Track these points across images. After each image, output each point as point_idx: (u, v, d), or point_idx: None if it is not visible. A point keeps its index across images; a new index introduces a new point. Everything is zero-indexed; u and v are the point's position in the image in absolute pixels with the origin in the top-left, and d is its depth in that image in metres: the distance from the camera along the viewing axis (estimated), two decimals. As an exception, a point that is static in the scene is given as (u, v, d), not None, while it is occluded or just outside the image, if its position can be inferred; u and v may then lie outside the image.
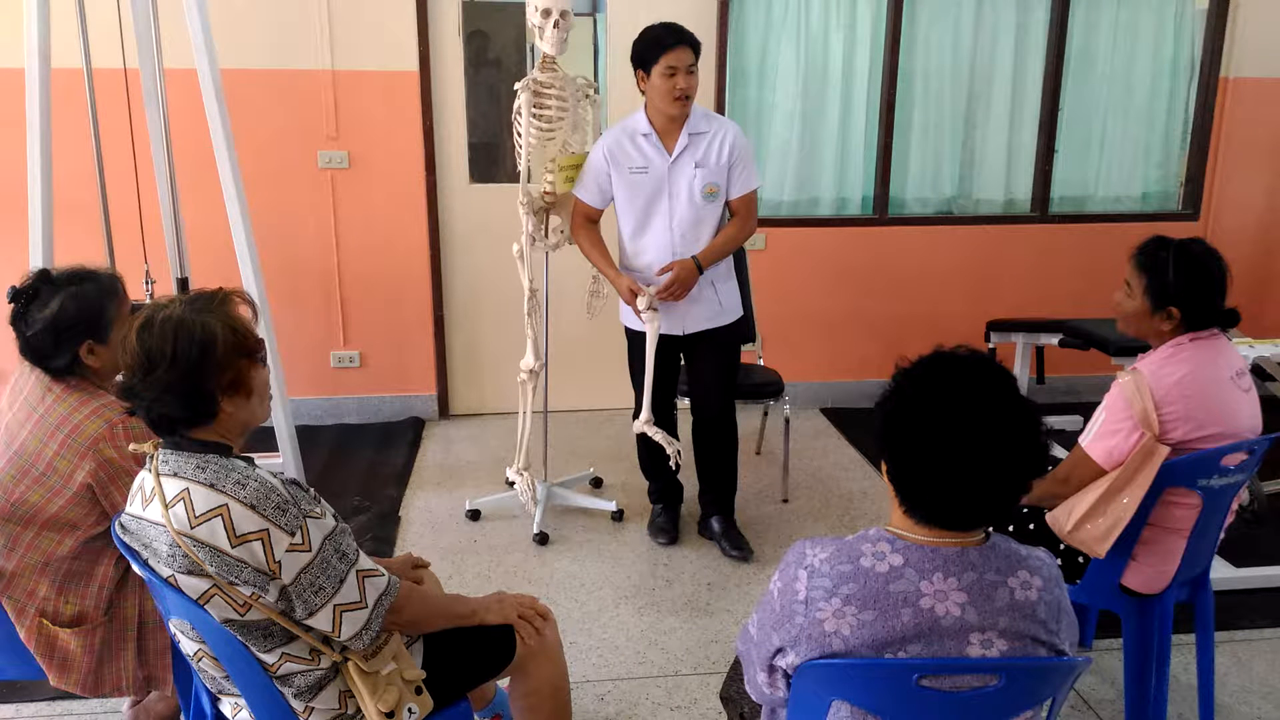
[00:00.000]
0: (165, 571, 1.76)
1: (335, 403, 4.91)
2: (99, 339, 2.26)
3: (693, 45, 3.34)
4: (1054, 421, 4.88)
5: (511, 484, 3.98)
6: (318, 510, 1.80)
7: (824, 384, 5.18)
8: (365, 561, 1.86)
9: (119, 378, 1.83)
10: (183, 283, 3.90)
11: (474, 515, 3.94)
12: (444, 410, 5.05)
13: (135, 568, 1.82)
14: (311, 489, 1.84)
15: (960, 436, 1.46)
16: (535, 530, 3.75)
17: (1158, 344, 2.52)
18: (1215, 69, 5.09)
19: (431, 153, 4.69)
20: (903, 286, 5.13)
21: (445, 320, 4.93)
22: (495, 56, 4.92)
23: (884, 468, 1.58)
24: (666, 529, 3.77)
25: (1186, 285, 2.44)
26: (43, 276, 2.29)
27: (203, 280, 4.13)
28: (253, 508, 1.72)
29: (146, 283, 3.78)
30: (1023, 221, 5.18)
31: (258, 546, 1.72)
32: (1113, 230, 5.20)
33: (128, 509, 1.87)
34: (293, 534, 1.74)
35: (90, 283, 2.28)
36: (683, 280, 3.42)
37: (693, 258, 3.43)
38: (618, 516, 3.93)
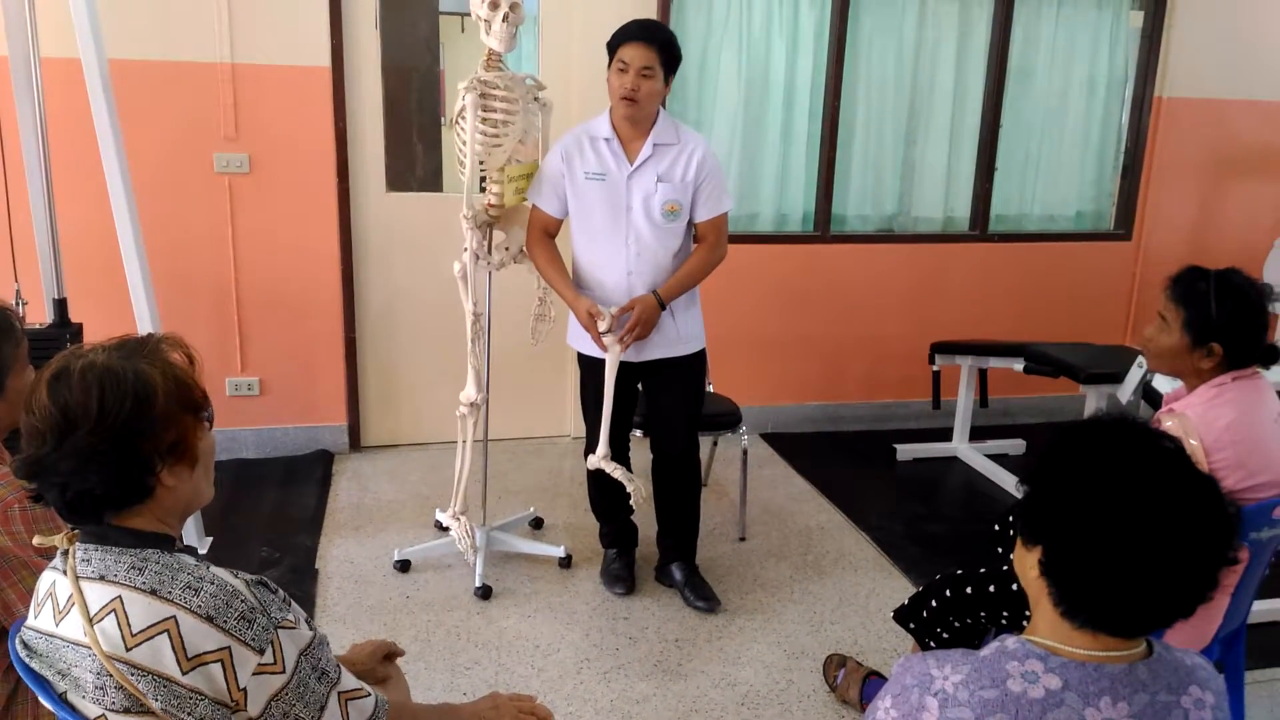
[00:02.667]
0: (92, 711, 1.34)
1: (231, 435, 4.39)
2: None
3: (652, 44, 3.01)
4: (996, 445, 4.76)
5: (443, 528, 3.60)
6: (290, 618, 1.41)
7: (764, 408, 4.92)
8: (348, 680, 1.48)
9: (15, 456, 1.40)
10: (60, 304, 3.38)
11: (403, 566, 3.51)
12: (355, 442, 4.58)
13: (46, 702, 1.39)
14: (280, 590, 1.45)
15: (1156, 517, 1.19)
16: (477, 583, 3.35)
17: (1195, 383, 2.33)
18: (1149, 88, 5.06)
19: (344, 157, 4.23)
20: (845, 306, 4.92)
21: (357, 342, 4.47)
22: (414, 52, 4.50)
23: (1032, 560, 1.28)
24: (623, 577, 3.43)
25: (1230, 320, 2.26)
26: None
27: (83, 302, 3.65)
28: (209, 619, 1.33)
29: (17, 303, 3.25)
30: (964, 240, 5.04)
31: (216, 670, 1.32)
32: (1049, 250, 5.13)
33: (33, 622, 1.44)
34: (261, 651, 1.35)
35: None
36: (644, 320, 3.10)
37: (654, 292, 3.11)
38: (565, 563, 3.57)
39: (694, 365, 3.33)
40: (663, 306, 3.12)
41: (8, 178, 3.31)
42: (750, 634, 3.19)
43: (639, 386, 3.38)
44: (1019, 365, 4.19)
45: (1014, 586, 2.37)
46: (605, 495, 3.41)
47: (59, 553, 1.43)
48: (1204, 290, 2.29)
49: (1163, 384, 3.47)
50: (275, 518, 3.90)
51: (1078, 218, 5.27)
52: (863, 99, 4.82)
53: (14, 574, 1.71)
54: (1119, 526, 1.20)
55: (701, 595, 3.33)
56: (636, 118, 3.09)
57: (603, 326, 3.08)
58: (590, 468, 3.31)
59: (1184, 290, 2.32)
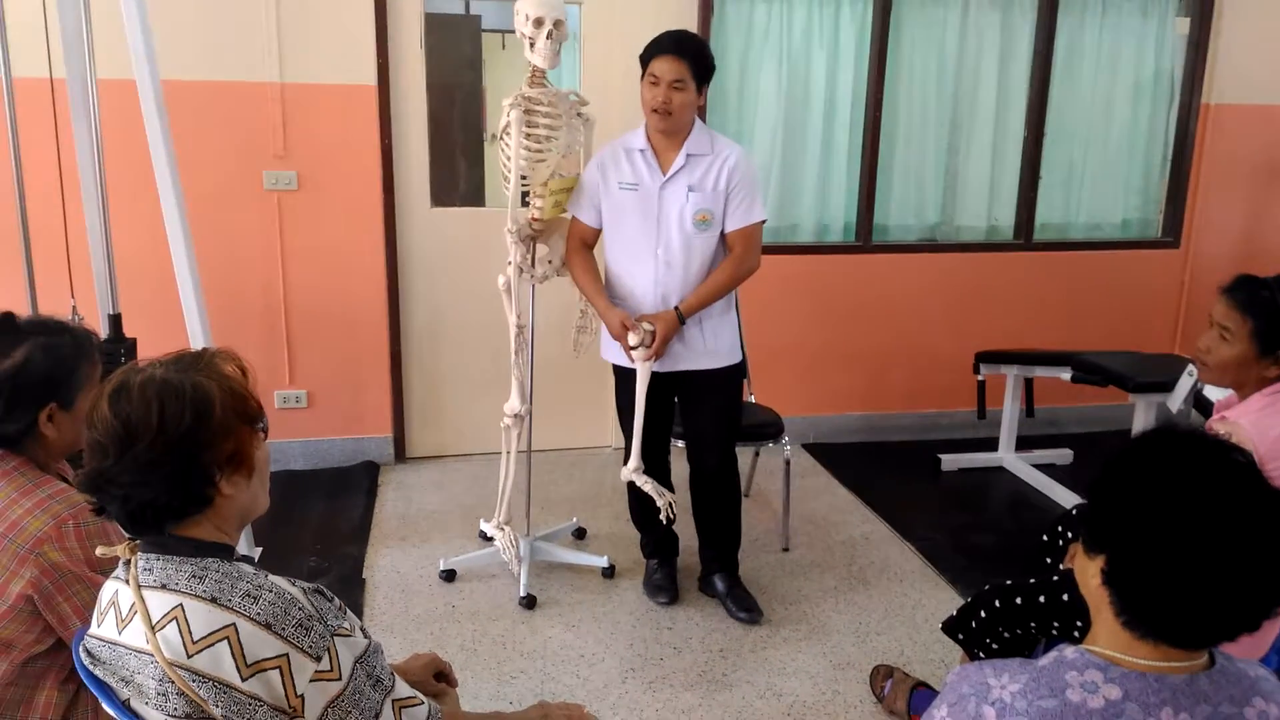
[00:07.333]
0: (154, 717, 1.37)
1: (280, 447, 4.45)
2: (64, 404, 1.85)
3: (683, 57, 3.03)
4: (1043, 455, 4.70)
5: (487, 538, 3.62)
6: (346, 625, 1.43)
7: (805, 418, 4.91)
8: (402, 688, 1.50)
9: (78, 471, 1.44)
10: (114, 320, 3.44)
11: (448, 576, 3.54)
12: (400, 453, 4.63)
13: (109, 709, 1.42)
14: (336, 598, 1.47)
15: (1227, 531, 1.18)
16: (522, 593, 3.37)
17: (1250, 392, 2.30)
18: (1196, 95, 4.99)
19: (390, 173, 4.29)
20: (887, 316, 4.90)
21: (403, 355, 4.52)
22: (457, 70, 4.56)
23: (1094, 569, 1.27)
24: (665, 587, 3.43)
25: None
26: (4, 320, 1.88)
27: (137, 317, 3.71)
28: (268, 627, 1.36)
29: (74, 319, 3.31)
30: (1008, 249, 5.00)
31: (275, 676, 1.35)
32: (1095, 258, 5.07)
33: (96, 630, 1.47)
34: (318, 658, 1.37)
35: (64, 335, 1.89)
36: (665, 337, 3.11)
37: (675, 308, 3.12)
38: (609, 573, 3.58)
39: (728, 380, 3.31)
40: (682, 321, 3.13)
41: (65, 196, 3.38)
42: (795, 644, 3.18)
43: (675, 399, 3.38)
44: (1066, 374, 4.14)
45: (1064, 597, 2.35)
46: (643, 506, 3.41)
47: (121, 563, 1.47)
48: (1269, 298, 2.26)
49: (1213, 392, 3.42)
50: (323, 528, 3.94)
51: (1124, 225, 5.20)
52: (904, 108, 4.80)
53: (69, 588, 1.75)
54: (1189, 538, 1.18)
55: (744, 606, 3.32)
56: (670, 130, 3.11)
57: (633, 340, 3.10)
58: (623, 479, 3.31)
59: (1247, 298, 2.29)
